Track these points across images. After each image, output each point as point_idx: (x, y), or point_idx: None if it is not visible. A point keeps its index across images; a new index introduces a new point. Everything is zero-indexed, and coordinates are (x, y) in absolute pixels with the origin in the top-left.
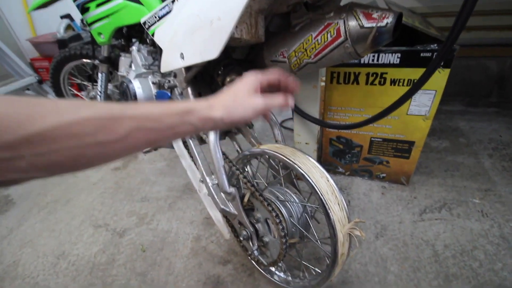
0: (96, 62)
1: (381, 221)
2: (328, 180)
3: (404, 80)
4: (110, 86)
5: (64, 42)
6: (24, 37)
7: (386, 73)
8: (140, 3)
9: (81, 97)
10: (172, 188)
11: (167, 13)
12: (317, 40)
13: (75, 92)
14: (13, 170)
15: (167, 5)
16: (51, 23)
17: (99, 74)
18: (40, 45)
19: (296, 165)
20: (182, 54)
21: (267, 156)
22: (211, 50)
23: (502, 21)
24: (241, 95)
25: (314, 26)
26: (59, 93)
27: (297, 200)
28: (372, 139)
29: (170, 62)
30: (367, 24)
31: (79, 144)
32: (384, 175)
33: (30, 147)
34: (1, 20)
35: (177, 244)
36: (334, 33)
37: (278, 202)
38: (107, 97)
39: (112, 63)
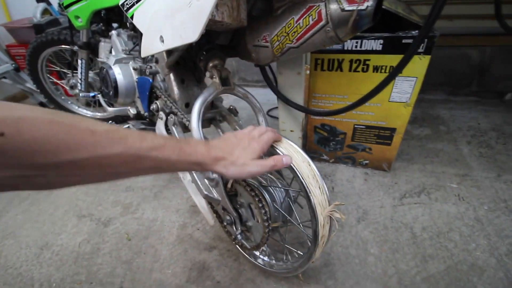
0: (75, 48)
1: (363, 206)
2: (309, 165)
3: (386, 66)
4: (91, 73)
5: (40, 27)
6: None
7: (369, 59)
8: None
9: (61, 85)
10: (158, 177)
11: None
12: (299, 23)
13: (55, 80)
14: (30, 184)
15: None
16: (27, 8)
17: (79, 61)
18: (16, 31)
19: (277, 150)
20: (161, 37)
21: None
22: (191, 33)
23: (483, 10)
24: (247, 163)
25: (296, 9)
26: (37, 81)
27: (279, 185)
28: (356, 126)
29: (150, 46)
30: (348, 7)
31: (102, 173)
32: (367, 162)
33: (56, 171)
34: None
35: (162, 232)
36: (315, 16)
37: (261, 187)
38: (88, 85)
39: (92, 49)
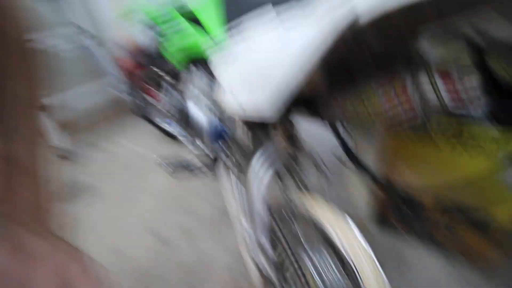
0: (162, 73)
1: None
2: (376, 267)
3: None
4: (169, 99)
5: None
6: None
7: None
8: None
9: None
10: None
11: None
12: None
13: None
14: None
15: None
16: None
17: (164, 84)
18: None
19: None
20: (239, 103)
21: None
22: (267, 110)
23: None
24: None
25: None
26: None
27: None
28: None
29: (229, 104)
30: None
31: None
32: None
33: None
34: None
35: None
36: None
37: (315, 274)
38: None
39: (177, 78)
